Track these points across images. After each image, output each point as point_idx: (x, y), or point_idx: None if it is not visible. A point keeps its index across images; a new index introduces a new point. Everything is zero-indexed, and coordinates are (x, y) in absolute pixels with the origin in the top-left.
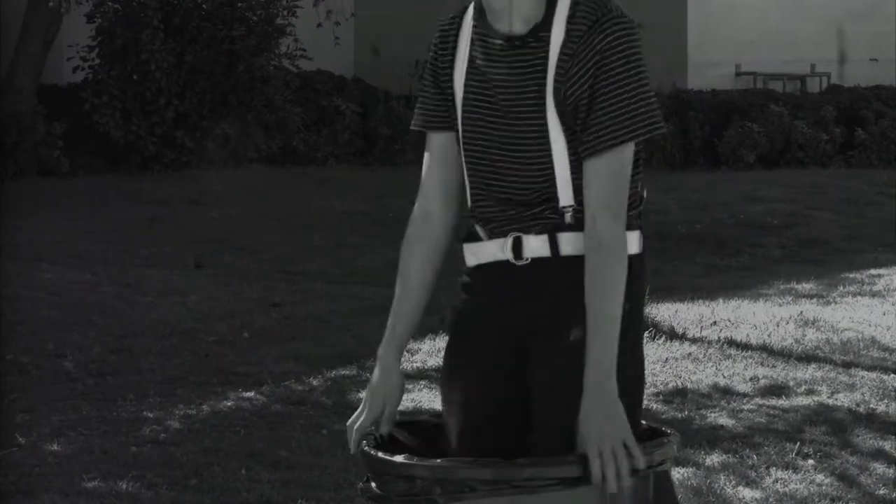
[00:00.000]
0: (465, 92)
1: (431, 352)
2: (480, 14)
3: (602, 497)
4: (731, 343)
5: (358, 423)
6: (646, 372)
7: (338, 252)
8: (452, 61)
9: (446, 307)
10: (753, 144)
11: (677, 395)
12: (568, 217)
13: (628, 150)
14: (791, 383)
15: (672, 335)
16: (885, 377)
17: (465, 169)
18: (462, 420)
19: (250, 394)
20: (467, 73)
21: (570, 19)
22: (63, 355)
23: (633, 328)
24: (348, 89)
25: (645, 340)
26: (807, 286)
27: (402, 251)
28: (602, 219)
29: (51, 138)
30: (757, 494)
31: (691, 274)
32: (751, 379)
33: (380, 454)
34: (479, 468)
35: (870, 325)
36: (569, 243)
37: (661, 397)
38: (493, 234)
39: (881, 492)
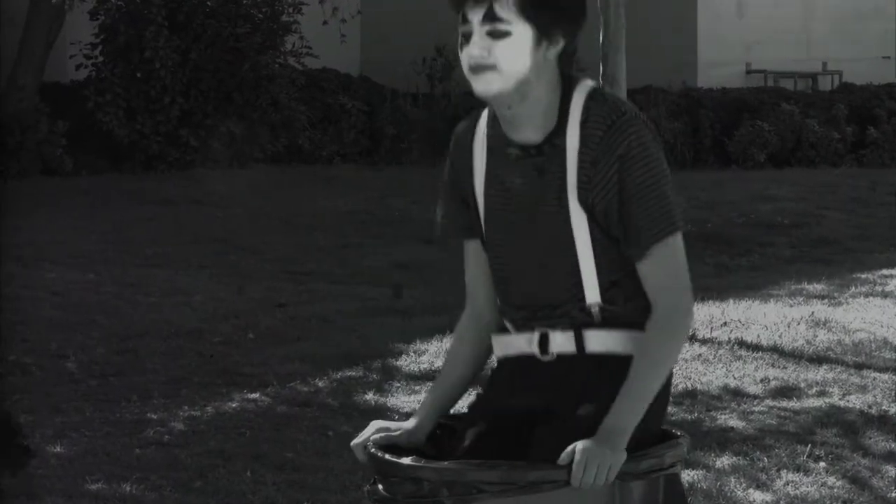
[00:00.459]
0: (486, 200)
1: (438, 353)
2: (494, 121)
3: (611, 497)
4: (742, 344)
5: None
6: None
7: (343, 252)
8: (471, 170)
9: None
10: (764, 143)
11: (687, 396)
12: (595, 315)
13: (672, 240)
14: (802, 385)
15: None
16: None
17: (492, 271)
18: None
19: (255, 395)
20: (486, 181)
21: (584, 124)
22: (66, 356)
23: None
24: (354, 87)
25: None
26: (818, 286)
27: (454, 337)
28: (665, 299)
29: (54, 137)
30: (768, 497)
31: (701, 274)
32: (761, 380)
33: (387, 456)
34: (486, 470)
35: (882, 326)
36: (595, 341)
37: (671, 399)
38: (520, 329)
39: (893, 495)
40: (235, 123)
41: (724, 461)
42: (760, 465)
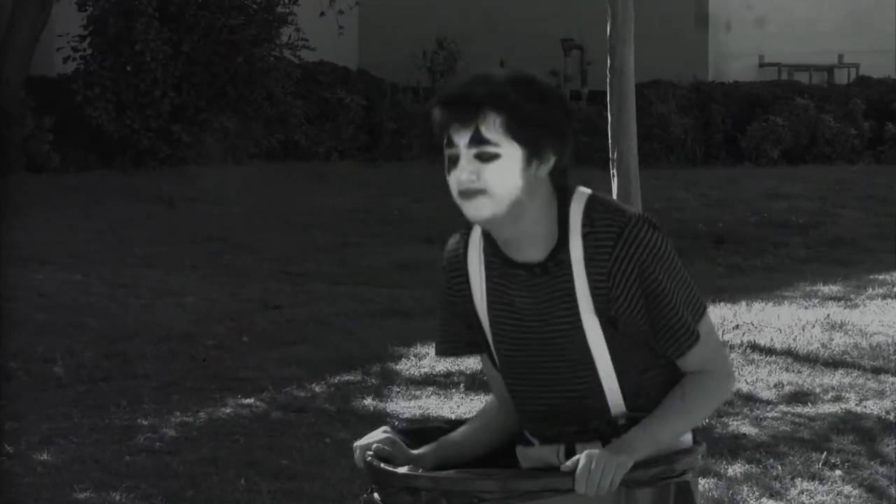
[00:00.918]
0: (492, 319)
1: (439, 358)
2: (489, 240)
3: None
4: (755, 347)
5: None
6: None
7: (341, 252)
8: (470, 291)
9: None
10: (778, 139)
11: None
12: (621, 425)
13: (703, 322)
14: (817, 390)
15: None
16: None
17: (507, 387)
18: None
19: (250, 400)
20: (489, 300)
21: (587, 235)
22: (53, 360)
23: None
24: (352, 81)
25: None
26: (833, 288)
27: (489, 401)
28: (709, 368)
29: (40, 132)
30: None
31: (712, 275)
32: (775, 385)
33: (383, 465)
34: (484, 480)
35: None
36: None
37: None
38: (545, 441)
39: None
40: (229, 118)
41: (736, 469)
42: (774, 473)
